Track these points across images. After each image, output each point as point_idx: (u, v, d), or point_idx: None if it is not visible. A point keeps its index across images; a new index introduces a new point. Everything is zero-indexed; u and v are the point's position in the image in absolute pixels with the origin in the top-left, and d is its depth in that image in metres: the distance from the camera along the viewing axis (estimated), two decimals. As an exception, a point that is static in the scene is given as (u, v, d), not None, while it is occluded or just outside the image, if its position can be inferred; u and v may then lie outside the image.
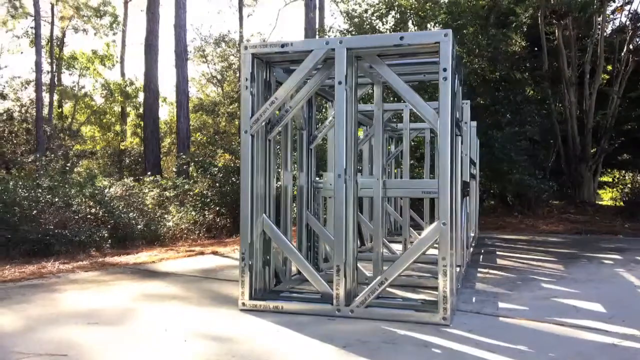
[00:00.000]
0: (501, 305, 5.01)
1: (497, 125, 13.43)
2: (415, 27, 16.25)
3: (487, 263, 7.68)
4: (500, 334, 4.01)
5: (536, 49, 16.38)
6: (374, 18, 15.02)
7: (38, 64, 20.53)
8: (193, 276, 6.49)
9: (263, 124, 4.79)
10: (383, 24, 15.30)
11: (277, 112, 5.02)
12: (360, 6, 15.38)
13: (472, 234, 9.69)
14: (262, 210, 4.89)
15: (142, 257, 8.62)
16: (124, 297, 5.31)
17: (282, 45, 4.70)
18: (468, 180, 7.54)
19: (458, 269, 5.64)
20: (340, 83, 4.49)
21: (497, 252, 8.84)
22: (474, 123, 9.80)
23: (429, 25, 15.53)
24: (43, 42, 30.23)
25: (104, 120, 34.00)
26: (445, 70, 4.30)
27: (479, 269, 7.07)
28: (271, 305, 4.66)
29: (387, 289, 5.59)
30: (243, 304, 4.72)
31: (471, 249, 8.39)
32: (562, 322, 4.36)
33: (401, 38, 4.42)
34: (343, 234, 4.51)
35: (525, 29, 15.91)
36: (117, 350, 3.61)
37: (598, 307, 4.92)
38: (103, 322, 4.31)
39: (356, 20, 15.21)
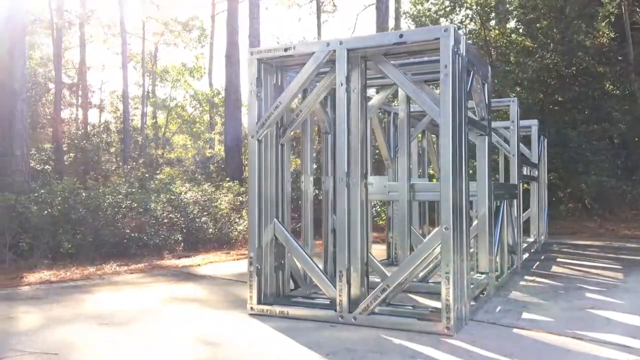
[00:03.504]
0: (525, 315, 4.67)
1: (572, 124, 12.56)
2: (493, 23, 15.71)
3: (539, 270, 7.20)
4: (502, 347, 3.74)
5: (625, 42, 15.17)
6: (436, 17, 14.62)
7: (124, 79, 21.93)
8: (226, 279, 6.62)
9: (270, 128, 4.80)
10: (451, 22, 14.84)
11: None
12: (422, 5, 15.02)
13: (532, 239, 9.15)
14: (272, 215, 4.88)
15: (196, 259, 8.93)
16: (150, 299, 5.51)
17: (286, 49, 4.69)
18: (516, 183, 7.15)
19: (483, 276, 5.33)
20: (341, 85, 4.41)
21: (558, 259, 8.27)
22: (535, 122, 9.29)
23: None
24: (138, 57, 32.35)
25: (194, 129, 35.64)
26: (446, 67, 4.10)
27: (525, 277, 6.65)
28: (277, 310, 4.64)
29: (411, 295, 5.45)
30: (251, 308, 4.74)
31: (524, 255, 7.91)
32: (581, 336, 3.99)
33: (400, 36, 4.27)
34: (345, 240, 4.42)
35: (613, 20, 14.83)
36: (106, 350, 3.75)
37: (634, 320, 4.47)
38: (114, 323, 4.49)
39: (423, 19, 14.87)
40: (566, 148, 12.21)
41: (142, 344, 3.93)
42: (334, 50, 4.45)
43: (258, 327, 4.36)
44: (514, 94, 14.00)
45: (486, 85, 5.35)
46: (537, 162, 9.22)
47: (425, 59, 5.15)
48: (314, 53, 4.54)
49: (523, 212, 9.48)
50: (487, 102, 5.34)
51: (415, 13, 15.48)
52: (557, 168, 12.56)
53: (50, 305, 5.17)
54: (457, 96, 4.24)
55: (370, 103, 6.30)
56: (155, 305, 5.21)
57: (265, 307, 4.69)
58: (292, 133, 5.14)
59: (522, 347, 3.79)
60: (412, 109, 7.60)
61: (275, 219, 4.88)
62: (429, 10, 14.83)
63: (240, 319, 4.61)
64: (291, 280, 5.34)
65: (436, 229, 4.18)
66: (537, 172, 9.33)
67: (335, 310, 4.41)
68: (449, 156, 4.09)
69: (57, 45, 23.33)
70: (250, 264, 4.75)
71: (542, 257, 8.41)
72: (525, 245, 8.31)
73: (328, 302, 4.65)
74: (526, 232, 9.46)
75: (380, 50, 4.48)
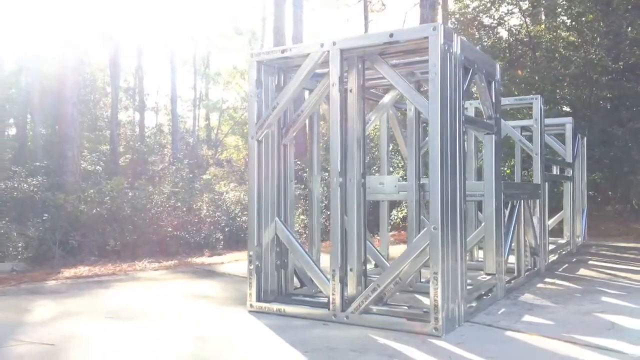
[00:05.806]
0: (526, 318, 4.55)
1: (619, 121, 12.01)
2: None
3: (563, 272, 6.97)
4: (487, 349, 3.68)
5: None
6: (475, 13, 14.30)
7: (173, 82, 22.65)
8: (241, 277, 6.69)
9: (270, 129, 4.88)
10: (493, 19, 14.49)
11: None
12: (461, 2, 14.72)
13: (564, 241, 8.84)
14: (274, 214, 4.96)
15: (225, 257, 9.12)
16: (162, 294, 5.71)
17: (282, 51, 4.76)
18: (539, 182, 6.95)
19: (487, 277, 5.22)
20: (334, 85, 4.44)
21: (590, 261, 7.95)
22: (569, 119, 9.00)
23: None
24: (191, 61, 33.31)
25: (245, 130, 36.31)
26: (434, 65, 4.06)
27: (546, 279, 6.45)
28: (275, 307, 4.72)
29: (418, 296, 5.42)
30: (251, 305, 4.83)
31: (552, 257, 7.66)
32: (576, 340, 3.85)
33: (391, 35, 4.26)
34: (338, 238, 4.44)
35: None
36: (102, 342, 3.92)
37: (641, 326, 4.28)
38: (120, 317, 4.68)
39: (469, 17, 14.60)
40: (612, 147, 11.70)
41: (135, 336, 4.08)
42: (328, 51, 4.49)
43: (251, 324, 4.44)
44: (559, 91, 13.55)
45: (493, 83, 5.24)
46: (571, 161, 8.89)
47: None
48: (309, 54, 4.59)
49: (557, 214, 9.23)
50: (493, 100, 5.22)
51: (456, 11, 15.23)
52: (602, 167, 12.07)
53: (67, 299, 5.44)
54: (449, 95, 4.19)
55: (382, 101, 6.30)
56: (165, 300, 5.40)
57: (264, 305, 4.78)
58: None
59: (508, 350, 3.71)
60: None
61: (276, 218, 4.96)
62: (467, 7, 14.53)
63: (239, 316, 4.70)
64: (299, 280, 5.42)
65: (425, 229, 4.15)
66: (571, 171, 9.00)
67: (329, 309, 4.45)
68: (437, 154, 4.05)
69: (114, 51, 24.32)
70: (250, 262, 4.86)
71: (574, 260, 8.11)
72: (553, 247, 8.04)
73: (326, 301, 4.68)
74: (560, 233, 9.18)
75: (375, 50, 4.48)
